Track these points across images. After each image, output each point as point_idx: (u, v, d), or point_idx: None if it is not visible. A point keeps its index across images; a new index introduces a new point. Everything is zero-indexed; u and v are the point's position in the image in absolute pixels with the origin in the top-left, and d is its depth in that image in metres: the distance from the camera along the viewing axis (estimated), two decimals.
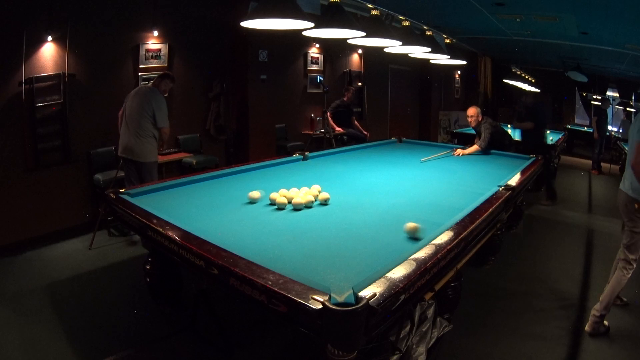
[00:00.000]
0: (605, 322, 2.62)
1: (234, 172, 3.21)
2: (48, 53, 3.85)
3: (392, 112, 9.42)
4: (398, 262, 1.57)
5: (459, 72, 11.53)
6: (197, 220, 2.14)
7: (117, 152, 3.96)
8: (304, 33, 2.81)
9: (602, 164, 8.53)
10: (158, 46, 4.73)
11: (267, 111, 5.69)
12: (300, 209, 2.36)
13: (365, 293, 1.32)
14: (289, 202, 2.41)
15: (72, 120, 4.04)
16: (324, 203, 2.47)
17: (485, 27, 6.70)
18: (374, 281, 1.42)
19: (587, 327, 2.64)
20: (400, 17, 3.64)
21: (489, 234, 2.57)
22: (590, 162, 8.84)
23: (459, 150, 4.37)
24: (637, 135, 2.43)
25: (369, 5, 3.16)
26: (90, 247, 3.79)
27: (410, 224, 1.96)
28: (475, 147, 4.37)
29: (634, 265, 2.58)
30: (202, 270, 1.67)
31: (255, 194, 2.50)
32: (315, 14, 4.63)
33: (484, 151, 4.39)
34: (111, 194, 2.45)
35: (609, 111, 10.56)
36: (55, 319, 2.65)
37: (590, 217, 5.34)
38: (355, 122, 6.76)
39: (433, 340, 2.01)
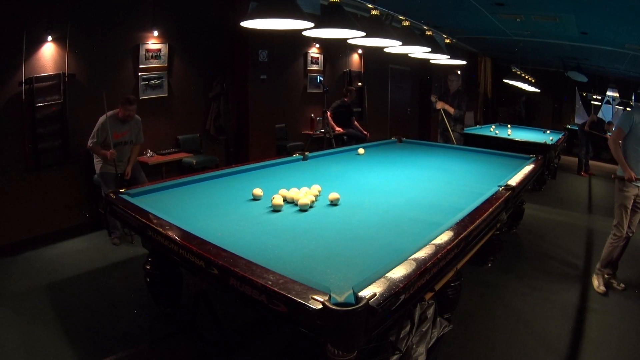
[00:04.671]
0: (622, 285, 3.21)
1: (234, 172, 3.21)
2: (48, 53, 3.85)
3: (392, 112, 9.42)
4: (398, 262, 1.57)
5: (459, 72, 11.51)
6: (197, 220, 2.14)
7: None
8: (304, 33, 2.80)
9: (599, 163, 8.48)
10: (158, 46, 4.73)
11: (267, 111, 5.69)
12: (304, 210, 2.36)
13: (365, 293, 1.32)
14: (294, 204, 2.42)
15: (72, 120, 4.04)
16: (334, 203, 2.46)
17: (485, 27, 6.70)
18: (374, 281, 1.42)
19: (598, 288, 3.18)
20: (400, 17, 3.64)
21: (489, 234, 2.57)
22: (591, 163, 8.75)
23: (440, 103, 5.84)
24: (616, 123, 3.30)
25: (369, 5, 3.16)
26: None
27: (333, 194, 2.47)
28: (451, 109, 5.80)
29: (617, 233, 3.14)
30: (202, 270, 1.67)
31: (258, 191, 2.54)
32: (315, 14, 4.63)
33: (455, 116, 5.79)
34: (111, 194, 2.45)
35: (607, 112, 10.56)
36: (55, 319, 2.65)
37: (590, 217, 5.35)
38: (355, 122, 6.76)
39: (433, 340, 2.02)
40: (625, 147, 3.08)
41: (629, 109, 8.16)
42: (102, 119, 3.72)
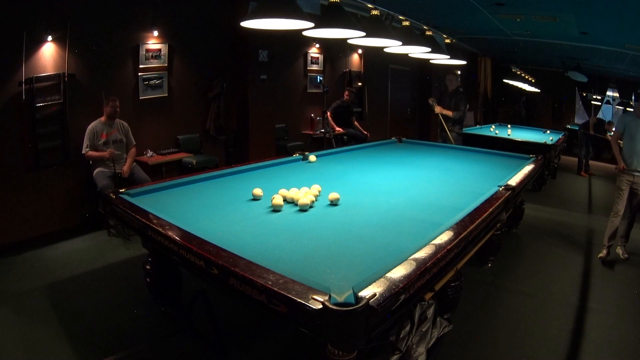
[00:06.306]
0: (626, 255, 3.80)
1: (234, 172, 3.21)
2: (48, 53, 3.85)
3: (392, 112, 9.42)
4: (398, 262, 1.57)
5: (458, 72, 11.51)
6: (197, 220, 2.14)
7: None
8: (304, 33, 2.81)
9: (599, 163, 8.47)
10: (158, 46, 4.73)
11: (267, 111, 5.69)
12: (304, 210, 2.36)
13: (365, 293, 1.32)
14: (294, 204, 2.43)
15: (72, 120, 4.04)
16: (334, 203, 2.46)
17: (485, 27, 6.70)
18: (374, 281, 1.42)
19: (599, 257, 3.76)
20: (400, 17, 3.64)
21: (489, 234, 2.57)
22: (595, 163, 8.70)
23: (438, 108, 5.90)
24: (614, 126, 4.00)
25: (369, 5, 3.16)
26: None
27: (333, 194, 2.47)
28: (449, 112, 5.83)
29: (614, 210, 3.78)
30: (202, 270, 1.67)
31: (258, 191, 2.54)
32: (315, 14, 4.63)
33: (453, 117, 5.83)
34: (111, 194, 2.45)
35: (607, 112, 10.55)
36: (55, 319, 2.65)
37: (590, 217, 5.34)
38: (355, 123, 6.76)
39: (433, 340, 2.02)
40: (623, 143, 3.84)
41: (625, 113, 8.41)
42: (89, 126, 4.00)
